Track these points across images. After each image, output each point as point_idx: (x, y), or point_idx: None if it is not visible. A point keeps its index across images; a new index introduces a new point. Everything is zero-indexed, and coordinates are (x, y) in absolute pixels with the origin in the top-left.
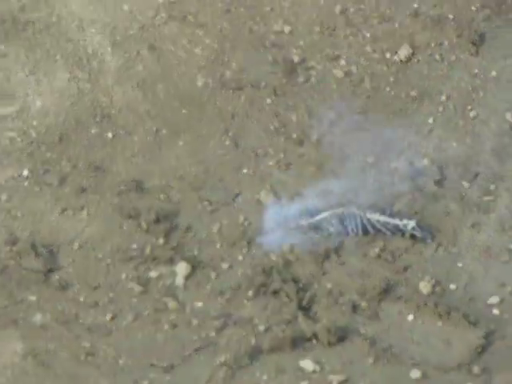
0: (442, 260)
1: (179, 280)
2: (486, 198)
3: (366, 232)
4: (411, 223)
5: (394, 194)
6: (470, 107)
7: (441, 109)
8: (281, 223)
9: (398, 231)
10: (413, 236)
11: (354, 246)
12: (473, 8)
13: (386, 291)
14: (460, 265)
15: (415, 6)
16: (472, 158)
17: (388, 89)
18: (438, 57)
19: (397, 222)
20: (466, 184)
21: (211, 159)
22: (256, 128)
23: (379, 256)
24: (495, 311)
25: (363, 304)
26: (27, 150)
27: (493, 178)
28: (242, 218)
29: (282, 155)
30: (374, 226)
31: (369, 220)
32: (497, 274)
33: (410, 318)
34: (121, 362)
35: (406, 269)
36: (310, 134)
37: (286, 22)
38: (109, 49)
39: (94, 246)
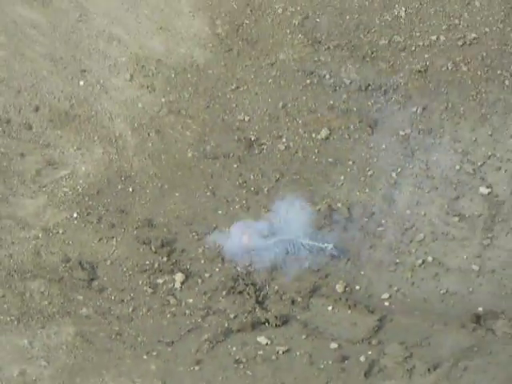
0: (350, 270)
1: (177, 284)
2: (379, 229)
3: (299, 252)
4: (330, 245)
5: (318, 225)
6: (368, 169)
7: (348, 170)
8: (243, 247)
9: (321, 251)
10: (331, 254)
11: (293, 260)
12: (369, 103)
13: (314, 291)
14: (362, 272)
15: (331, 102)
16: (370, 202)
17: (314, 157)
18: (346, 136)
19: (320, 244)
20: (365, 219)
21: (197, 205)
22: (227, 184)
23: (309, 267)
24: (386, 303)
25: (299, 299)
26: (76, 200)
27: (383, 215)
28: (217, 244)
29: (244, 202)
30: (304, 248)
31: (301, 243)
32: (387, 278)
33: (330, 308)
34: (139, 339)
35: (327, 276)
36: (263, 188)
37: (246, 114)
38: (129, 132)
39: (120, 262)
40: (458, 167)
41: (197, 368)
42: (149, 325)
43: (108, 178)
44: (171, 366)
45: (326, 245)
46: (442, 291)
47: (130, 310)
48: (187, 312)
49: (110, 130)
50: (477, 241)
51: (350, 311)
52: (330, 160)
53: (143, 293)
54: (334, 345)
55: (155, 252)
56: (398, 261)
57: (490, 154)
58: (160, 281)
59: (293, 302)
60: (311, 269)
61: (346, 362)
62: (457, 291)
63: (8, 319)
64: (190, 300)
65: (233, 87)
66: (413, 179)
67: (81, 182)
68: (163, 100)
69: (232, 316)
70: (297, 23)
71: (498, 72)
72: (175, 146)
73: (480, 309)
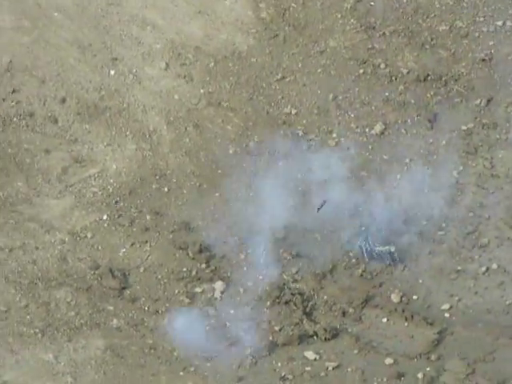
0: (407, 278)
1: (217, 294)
2: (439, 233)
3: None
4: (392, 248)
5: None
6: (427, 167)
7: (405, 168)
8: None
9: (387, 255)
10: (392, 259)
11: (343, 268)
12: (428, 95)
13: (367, 301)
14: (420, 281)
15: (386, 94)
16: (429, 204)
17: (367, 154)
18: (403, 131)
19: (382, 248)
20: (424, 222)
21: (239, 207)
22: (272, 184)
23: (361, 275)
24: (446, 315)
25: (350, 310)
26: (106, 201)
27: (444, 218)
28: (262, 248)
29: (291, 204)
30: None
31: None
32: (447, 287)
33: (385, 320)
34: (175, 353)
35: (381, 284)
36: (312, 189)
37: (293, 106)
38: (164, 126)
39: (154, 269)
40: None
41: None
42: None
43: (141, 177)
44: (210, 383)
45: (387, 247)
46: (507, 301)
47: (165, 321)
48: (228, 324)
49: (144, 124)
50: None
51: (406, 323)
52: (385, 157)
53: (180, 303)
54: (389, 360)
55: (193, 258)
56: (459, 268)
57: None
58: (198, 290)
59: (344, 313)
60: (364, 277)
61: (403, 379)
62: None
63: (32, 332)
64: (232, 311)
65: (278, 77)
66: (476, 178)
67: (111, 181)
68: (202, 91)
69: (277, 328)
70: (349, 7)
71: None
72: (215, 142)
73: None
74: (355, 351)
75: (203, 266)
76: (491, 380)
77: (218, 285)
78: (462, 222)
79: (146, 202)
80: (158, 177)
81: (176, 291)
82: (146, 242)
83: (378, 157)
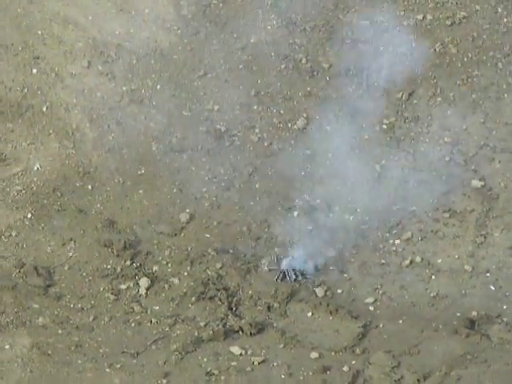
0: (332, 271)
1: (142, 290)
2: (362, 227)
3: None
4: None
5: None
6: (349, 161)
7: (329, 162)
8: None
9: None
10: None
11: (268, 262)
12: (349, 89)
13: (292, 295)
14: (345, 275)
15: (308, 89)
16: (352, 198)
17: (290, 149)
18: (325, 125)
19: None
20: (347, 216)
21: (163, 203)
22: (195, 179)
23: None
24: (371, 308)
25: (275, 305)
26: (30, 199)
27: (367, 212)
28: (185, 245)
29: (213, 199)
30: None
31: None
32: (371, 281)
33: (309, 314)
34: (101, 350)
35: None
36: (234, 183)
37: (215, 103)
38: (87, 124)
39: (79, 267)
40: (447, 158)
41: (164, 381)
42: (111, 335)
43: (65, 175)
44: (136, 379)
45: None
46: (431, 294)
47: (91, 318)
48: (153, 320)
49: (67, 123)
50: (469, 239)
51: (331, 317)
52: (307, 152)
53: (105, 300)
54: (314, 354)
55: (117, 255)
56: (383, 262)
57: (482, 143)
58: (123, 286)
59: (269, 307)
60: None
61: (328, 372)
62: (448, 294)
63: None
64: (157, 307)
65: (200, 74)
66: (399, 172)
67: (35, 179)
68: (124, 89)
69: (202, 324)
70: (270, 3)
71: (491, 54)
72: (138, 139)
73: (474, 313)
74: (281, 345)
75: (128, 263)
76: (416, 372)
77: (143, 281)
78: (385, 216)
79: (69, 199)
80: (81, 174)
81: (101, 288)
82: (71, 239)
83: (300, 151)
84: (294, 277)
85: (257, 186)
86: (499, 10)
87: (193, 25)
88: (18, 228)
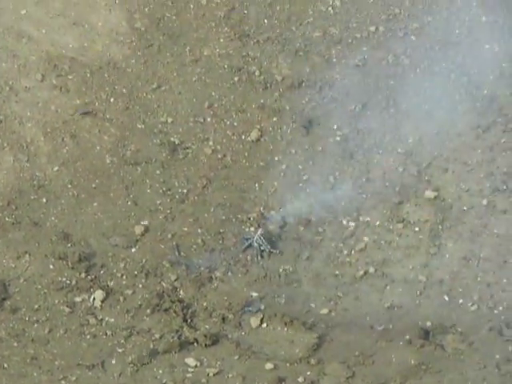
0: (284, 284)
1: (97, 303)
2: (316, 238)
3: None
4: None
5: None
6: (303, 173)
7: (282, 174)
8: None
9: None
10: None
11: (222, 274)
12: (303, 101)
13: (246, 306)
14: (299, 286)
15: (262, 101)
16: (306, 209)
17: (244, 161)
18: (279, 137)
19: None
20: (301, 228)
21: (118, 215)
22: (149, 192)
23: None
24: (326, 319)
25: (230, 316)
26: None
27: (321, 223)
28: (140, 257)
29: (168, 211)
30: None
31: None
32: (325, 292)
33: (264, 325)
34: (56, 363)
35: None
36: (189, 196)
37: (169, 115)
38: (42, 138)
39: (34, 280)
40: (401, 169)
41: None
42: (67, 347)
43: (19, 188)
44: None
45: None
46: (386, 305)
47: (46, 331)
48: (109, 333)
49: (21, 136)
50: (423, 249)
51: (286, 328)
52: (261, 164)
53: (60, 312)
54: (269, 365)
55: (72, 268)
56: (337, 272)
57: (435, 154)
58: (78, 299)
59: (223, 319)
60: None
61: (283, 383)
62: (402, 304)
63: None
64: (112, 319)
65: (154, 86)
66: (352, 183)
67: None
68: (78, 102)
69: (158, 336)
70: (222, 15)
71: (443, 65)
72: (92, 152)
73: (428, 323)
74: (236, 357)
75: (83, 275)
76: (371, 383)
77: (98, 294)
78: (338, 227)
79: (24, 212)
80: (36, 188)
81: (56, 301)
82: (26, 252)
83: (254, 163)
84: (258, 246)
85: (211, 198)
86: (451, 22)
87: (146, 37)
88: None
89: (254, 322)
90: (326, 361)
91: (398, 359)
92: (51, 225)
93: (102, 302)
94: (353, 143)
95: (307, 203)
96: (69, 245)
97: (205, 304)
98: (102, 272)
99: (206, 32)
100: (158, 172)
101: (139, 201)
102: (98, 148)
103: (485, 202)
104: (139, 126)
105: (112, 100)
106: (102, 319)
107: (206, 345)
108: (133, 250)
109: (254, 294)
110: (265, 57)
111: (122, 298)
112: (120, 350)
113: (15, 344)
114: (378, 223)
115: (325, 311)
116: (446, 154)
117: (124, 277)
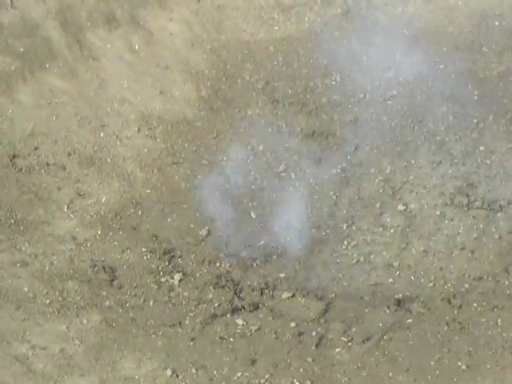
0: (302, 268)
1: (176, 282)
2: (323, 237)
3: None
4: None
5: None
6: (311, 193)
7: (293, 194)
8: None
9: None
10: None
11: (261, 262)
12: (315, 145)
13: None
14: (310, 269)
15: (287, 145)
16: (316, 219)
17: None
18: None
19: None
20: (313, 230)
21: (189, 222)
22: (211, 207)
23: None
24: (331, 293)
25: (266, 291)
26: (99, 221)
27: (326, 228)
28: (205, 251)
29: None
30: None
31: None
32: (330, 274)
33: (290, 296)
34: (148, 323)
35: (286, 273)
36: None
37: (224, 155)
38: (138, 170)
39: (133, 266)
40: (381, 190)
41: (191, 343)
42: (155, 312)
43: (123, 204)
44: (173, 342)
45: None
46: (371, 282)
47: (141, 301)
48: (184, 302)
49: (124, 169)
50: (396, 244)
51: (304, 299)
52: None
53: (151, 288)
54: (292, 324)
55: (159, 258)
56: (338, 261)
57: (405, 180)
58: (163, 279)
59: (262, 293)
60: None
61: (302, 336)
62: (382, 282)
63: (51, 310)
64: (186, 293)
65: (214, 135)
66: (347, 201)
67: (103, 207)
68: (162, 146)
69: (217, 304)
70: (260, 87)
71: (409, 120)
72: (172, 180)
73: (400, 295)
74: (270, 318)
75: (166, 263)
76: (362, 335)
77: (177, 276)
78: (338, 230)
79: (126, 221)
80: (134, 204)
81: (148, 281)
82: (127, 248)
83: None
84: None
85: None
86: (427, 88)
87: (208, 102)
88: (91, 240)
89: (283, 294)
90: (330, 321)
91: (379, 320)
92: (144, 229)
93: (179, 281)
94: (349, 173)
95: (317, 215)
96: (157, 243)
97: (249, 282)
98: (179, 261)
99: (249, 98)
100: None
101: (204, 213)
102: (176, 177)
103: (438, 212)
104: (204, 162)
105: (185, 145)
106: (179, 293)
107: (249, 310)
108: (200, 246)
109: (282, 276)
110: (289, 115)
111: (192, 279)
112: (191, 314)
113: (120, 310)
114: (366, 227)
115: (330, 287)
116: (411, 181)
117: (194, 264)
